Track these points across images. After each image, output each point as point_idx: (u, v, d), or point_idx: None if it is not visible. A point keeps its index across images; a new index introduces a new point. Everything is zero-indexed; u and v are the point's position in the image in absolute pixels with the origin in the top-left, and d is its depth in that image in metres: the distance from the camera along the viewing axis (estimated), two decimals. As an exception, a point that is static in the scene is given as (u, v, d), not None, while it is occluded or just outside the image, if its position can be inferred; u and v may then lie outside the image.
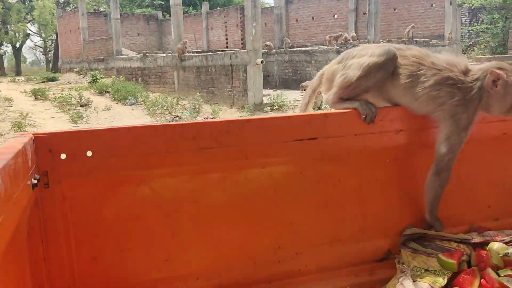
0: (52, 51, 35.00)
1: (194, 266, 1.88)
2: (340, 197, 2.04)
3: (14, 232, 1.21)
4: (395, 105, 2.04)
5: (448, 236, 2.11)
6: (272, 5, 25.14)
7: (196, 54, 17.12)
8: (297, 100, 14.07)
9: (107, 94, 17.05)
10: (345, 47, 16.24)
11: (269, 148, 1.87)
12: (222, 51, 18.41)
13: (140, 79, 19.12)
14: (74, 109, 13.24)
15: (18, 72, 39.73)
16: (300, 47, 21.76)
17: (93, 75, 19.70)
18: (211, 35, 28.10)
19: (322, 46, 19.55)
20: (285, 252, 1.98)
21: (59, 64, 30.92)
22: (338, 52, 18.36)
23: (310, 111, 2.27)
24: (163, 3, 32.65)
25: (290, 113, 9.80)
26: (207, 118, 11.67)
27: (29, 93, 16.91)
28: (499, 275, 1.80)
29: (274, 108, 13.33)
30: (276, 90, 17.01)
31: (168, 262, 1.84)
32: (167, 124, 1.79)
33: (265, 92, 15.47)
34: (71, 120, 11.59)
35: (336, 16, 24.38)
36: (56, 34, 32.30)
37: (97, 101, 15.43)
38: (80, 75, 23.77)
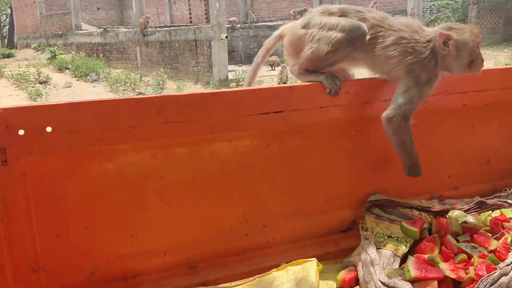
0: (7, 26, 33.41)
1: (162, 241, 1.87)
2: (306, 170, 2.05)
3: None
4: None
5: (411, 203, 2.17)
6: (236, -22, 24.69)
7: (159, 29, 16.73)
8: (263, 76, 14.04)
9: (67, 70, 16.49)
10: (310, 22, 16.17)
11: (235, 121, 1.85)
12: (185, 26, 18.05)
13: (101, 55, 18.54)
14: (33, 87, 12.76)
15: (-29, 49, 37.87)
16: (265, 22, 21.57)
17: (51, 51, 18.95)
18: (174, 9, 27.45)
19: (286, 21, 19.44)
20: (252, 225, 2.00)
21: (15, 40, 29.58)
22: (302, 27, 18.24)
23: (275, 84, 2.26)
24: (124, -25, 31.56)
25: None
26: (171, 95, 11.44)
27: (-17, 71, 16.18)
28: (458, 241, 1.87)
29: (240, 84, 13.25)
30: (241, 66, 16.88)
31: (134, 238, 1.82)
32: (130, 98, 1.75)
33: (231, 67, 15.34)
34: (29, 98, 11.18)
35: (300, -10, 24.20)
36: (11, 8, 30.81)
37: (57, 78, 14.91)
38: (38, 51, 22.84)
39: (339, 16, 1.96)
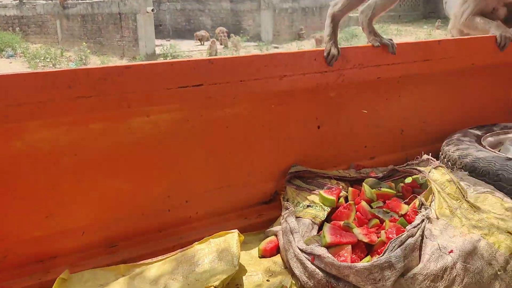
0: None
1: (79, 221, 1.81)
2: (228, 143, 2.06)
3: None
4: None
5: (329, 173, 2.26)
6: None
7: (80, 1, 15.84)
8: (192, 51, 13.81)
9: (-21, 45, 15.27)
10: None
11: (152, 95, 1.81)
12: (109, -2, 17.24)
13: (17, 28, 17.32)
14: None
15: None
16: (193, -5, 21.08)
17: (-41, 23, 17.43)
18: (96, -20, 26.08)
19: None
20: (174, 200, 1.98)
21: None
22: (231, 1, 18.11)
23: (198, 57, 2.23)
24: None
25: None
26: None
27: None
28: (372, 208, 1.97)
29: (168, 58, 12.96)
30: (169, 40, 16.49)
31: (49, 219, 1.75)
32: (38, 72, 1.65)
33: (158, 42, 14.94)
34: None
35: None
36: None
37: (-33, 53, 13.79)
38: None
39: None
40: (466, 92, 2.79)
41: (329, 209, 1.99)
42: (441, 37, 14.57)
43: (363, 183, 2.10)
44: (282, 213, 1.99)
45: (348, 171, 2.36)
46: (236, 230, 1.79)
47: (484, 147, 2.36)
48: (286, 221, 1.89)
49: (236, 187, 2.12)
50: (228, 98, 1.97)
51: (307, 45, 18.03)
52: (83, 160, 1.76)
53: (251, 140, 2.12)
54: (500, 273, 1.57)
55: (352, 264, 1.57)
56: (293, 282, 1.73)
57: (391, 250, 1.58)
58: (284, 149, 2.23)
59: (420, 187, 2.16)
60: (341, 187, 2.15)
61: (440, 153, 2.44)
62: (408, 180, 2.22)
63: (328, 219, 1.97)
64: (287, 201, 2.09)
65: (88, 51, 12.87)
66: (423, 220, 1.72)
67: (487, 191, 1.96)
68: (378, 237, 1.75)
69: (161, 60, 12.97)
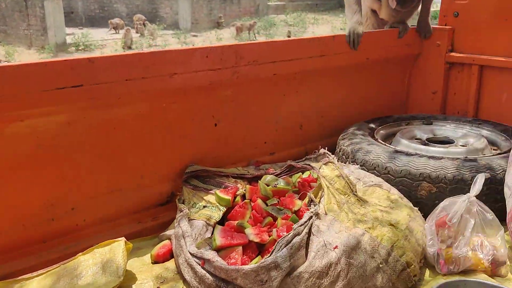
0: None
1: None
2: (117, 145, 1.97)
3: None
4: None
5: (227, 171, 2.23)
6: None
7: (-21, -15, 14.58)
8: (105, 40, 13.25)
9: None
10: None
11: (27, 98, 1.67)
12: (13, -18, 16.02)
13: None
14: None
15: None
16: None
17: None
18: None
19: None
20: (59, 208, 1.86)
21: None
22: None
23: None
24: None
25: (92, 54, 9.19)
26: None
27: None
28: (267, 205, 1.98)
29: (80, 48, 12.36)
30: (82, 29, 15.68)
31: None
32: None
33: (69, 31, 14.18)
34: None
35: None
36: None
37: None
38: None
39: None
40: (362, 86, 2.88)
41: (225, 209, 1.97)
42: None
43: (259, 181, 2.10)
44: (176, 216, 1.94)
45: (247, 168, 2.36)
46: (123, 238, 1.71)
47: (376, 140, 2.46)
48: (178, 224, 1.84)
49: (128, 191, 2.03)
50: (113, 98, 1.87)
51: (226, 33, 17.97)
52: None
53: (142, 140, 2.03)
54: (382, 266, 1.63)
55: (240, 267, 1.56)
56: (184, 287, 1.70)
57: (278, 250, 1.58)
58: (180, 149, 2.17)
59: (316, 181, 2.20)
60: (239, 185, 2.14)
61: (337, 146, 2.50)
62: (306, 174, 2.25)
63: (225, 219, 1.95)
64: (183, 202, 2.04)
65: (-10, 40, 11.93)
66: (310, 217, 1.74)
67: (375, 184, 2.04)
68: (270, 236, 1.76)
69: (72, 49, 12.34)
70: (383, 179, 2.11)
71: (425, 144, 2.45)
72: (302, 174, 2.25)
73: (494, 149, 2.48)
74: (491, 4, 2.80)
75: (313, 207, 1.83)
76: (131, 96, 1.92)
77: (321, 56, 2.51)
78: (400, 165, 2.12)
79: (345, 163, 2.32)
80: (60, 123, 1.80)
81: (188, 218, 1.89)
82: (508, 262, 1.77)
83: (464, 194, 1.81)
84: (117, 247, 1.67)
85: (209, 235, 1.83)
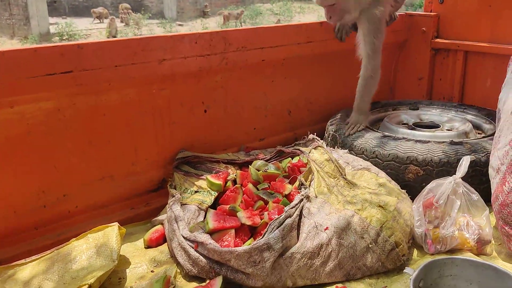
0: None
1: None
2: (107, 132, 1.97)
3: None
4: None
5: (218, 157, 2.25)
6: None
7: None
8: (90, 29, 13.09)
9: None
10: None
11: (16, 84, 1.66)
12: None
13: None
14: None
15: None
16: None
17: None
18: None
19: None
20: (50, 195, 1.86)
21: None
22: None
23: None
24: None
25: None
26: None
27: None
28: (258, 189, 2.00)
29: (64, 38, 12.20)
30: (65, 18, 15.46)
31: None
32: None
33: (53, 20, 13.97)
34: None
35: None
36: None
37: None
38: None
39: None
40: (350, 72, 2.90)
41: (216, 194, 1.99)
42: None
43: (250, 166, 2.12)
44: (168, 201, 1.96)
45: (238, 154, 2.37)
46: (116, 223, 1.72)
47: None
48: (171, 209, 1.86)
49: (119, 177, 2.04)
50: (102, 84, 1.87)
51: (212, 22, 17.86)
52: None
53: (133, 127, 2.04)
54: (372, 246, 1.67)
55: (233, 248, 1.59)
56: (178, 270, 1.72)
57: (270, 231, 1.61)
58: (171, 135, 2.18)
59: (306, 166, 2.23)
60: (230, 170, 2.15)
61: (325, 131, 2.53)
62: (295, 159, 2.28)
63: (216, 203, 1.97)
64: (175, 188, 2.06)
65: (-29, 30, 11.71)
66: (301, 200, 1.77)
67: (364, 168, 2.07)
68: (261, 219, 1.78)
69: (56, 39, 12.16)
70: (371, 163, 2.14)
71: (412, 129, 2.49)
72: (292, 159, 2.28)
73: (478, 133, 2.54)
74: (476, -10, 2.84)
75: (303, 190, 1.86)
76: (120, 82, 1.92)
77: (308, 43, 2.53)
78: (388, 149, 2.16)
79: (333, 148, 2.35)
80: (50, 109, 1.80)
81: (180, 203, 1.91)
82: (493, 241, 1.82)
83: (450, 176, 1.85)
84: (111, 232, 1.68)
85: (202, 219, 1.85)
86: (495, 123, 2.50)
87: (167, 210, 1.92)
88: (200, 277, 1.65)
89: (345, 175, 1.94)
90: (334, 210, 1.75)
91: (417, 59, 3.10)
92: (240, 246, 1.64)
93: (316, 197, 1.83)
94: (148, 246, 1.88)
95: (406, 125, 2.59)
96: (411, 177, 2.10)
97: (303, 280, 1.60)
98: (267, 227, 1.65)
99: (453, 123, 2.60)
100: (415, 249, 1.83)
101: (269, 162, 2.21)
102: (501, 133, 1.82)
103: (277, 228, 1.62)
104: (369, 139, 2.24)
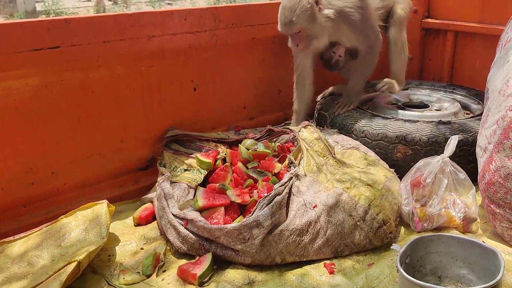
0: None
1: None
2: (96, 109, 1.95)
3: None
4: None
5: (208, 136, 2.25)
6: None
7: None
8: (77, 7, 12.84)
9: None
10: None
11: (1, 60, 1.63)
12: None
13: None
14: None
15: None
16: None
17: None
18: None
19: None
20: (38, 172, 1.85)
21: None
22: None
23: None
24: None
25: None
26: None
27: None
28: (247, 168, 2.00)
29: (51, 16, 11.93)
30: (52, -4, 15.11)
31: None
32: None
33: (38, -3, 13.63)
34: None
35: None
36: None
37: None
38: None
39: None
40: (340, 51, 2.89)
41: (206, 172, 1.99)
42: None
43: (240, 145, 2.12)
44: (158, 179, 1.95)
45: (228, 133, 2.37)
46: (105, 200, 1.72)
47: (353, 104, 2.49)
48: (161, 187, 1.86)
49: (108, 155, 2.03)
50: (91, 60, 1.84)
51: (202, 1, 17.59)
52: None
53: (121, 104, 2.02)
54: (360, 223, 1.69)
55: (223, 226, 1.60)
56: (168, 248, 1.72)
57: (259, 209, 1.62)
58: (160, 113, 2.16)
59: (295, 145, 2.23)
60: (219, 149, 2.15)
61: (315, 111, 2.53)
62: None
63: (206, 181, 1.97)
64: (164, 166, 2.05)
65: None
66: (290, 178, 1.78)
67: (353, 147, 2.08)
68: (251, 197, 1.79)
69: (43, 17, 11.91)
70: (360, 142, 2.15)
71: (401, 109, 2.50)
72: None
73: (467, 113, 2.55)
74: (467, -30, 2.82)
75: (293, 169, 1.86)
76: (109, 58, 1.90)
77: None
78: (377, 128, 2.16)
79: (323, 127, 2.35)
80: (37, 86, 1.77)
81: (170, 181, 1.90)
82: (478, 219, 1.85)
83: (438, 155, 1.87)
84: (100, 209, 1.67)
85: (191, 197, 1.85)
86: (483, 103, 2.52)
87: (156, 188, 1.92)
88: (190, 254, 1.66)
89: (334, 154, 1.95)
90: (323, 188, 1.76)
91: (408, 39, 3.09)
92: (228, 224, 1.64)
93: (306, 175, 1.83)
94: (138, 224, 1.88)
95: (396, 105, 2.59)
96: (400, 156, 2.12)
97: (291, 256, 1.62)
98: (256, 204, 1.66)
99: (442, 103, 2.61)
100: (402, 227, 1.86)
101: (259, 141, 2.21)
102: (489, 112, 1.83)
103: (267, 205, 1.63)
104: (358, 118, 2.25)
